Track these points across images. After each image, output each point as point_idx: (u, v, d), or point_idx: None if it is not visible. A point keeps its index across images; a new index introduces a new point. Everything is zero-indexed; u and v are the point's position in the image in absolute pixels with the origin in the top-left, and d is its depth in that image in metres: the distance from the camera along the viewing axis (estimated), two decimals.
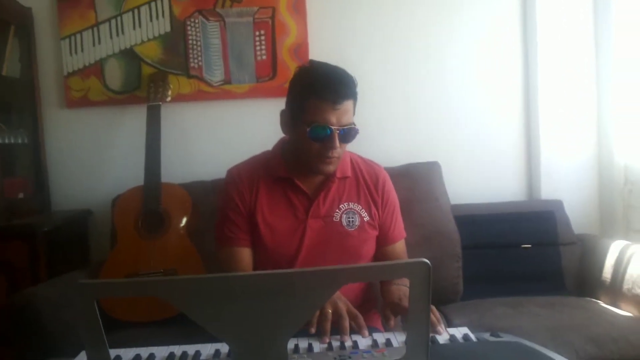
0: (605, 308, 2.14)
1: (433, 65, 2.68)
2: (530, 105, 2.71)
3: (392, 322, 1.33)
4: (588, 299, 2.26)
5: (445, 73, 2.69)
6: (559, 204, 2.52)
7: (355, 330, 1.28)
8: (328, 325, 1.26)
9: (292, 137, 1.56)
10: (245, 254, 1.58)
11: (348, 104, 1.47)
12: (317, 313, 1.27)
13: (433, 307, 1.28)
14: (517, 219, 2.46)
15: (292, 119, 1.53)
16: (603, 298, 2.24)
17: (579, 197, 2.63)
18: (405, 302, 1.33)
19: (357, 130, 1.50)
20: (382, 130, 2.66)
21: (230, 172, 1.64)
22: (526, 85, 2.72)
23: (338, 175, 1.59)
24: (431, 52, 2.68)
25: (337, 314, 1.29)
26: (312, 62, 1.58)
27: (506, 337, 1.20)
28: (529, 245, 2.41)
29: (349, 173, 1.62)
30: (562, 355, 1.09)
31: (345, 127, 1.47)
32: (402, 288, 1.41)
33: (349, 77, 1.50)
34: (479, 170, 2.70)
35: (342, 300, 1.35)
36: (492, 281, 2.34)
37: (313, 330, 1.24)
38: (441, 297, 2.21)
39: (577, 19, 2.62)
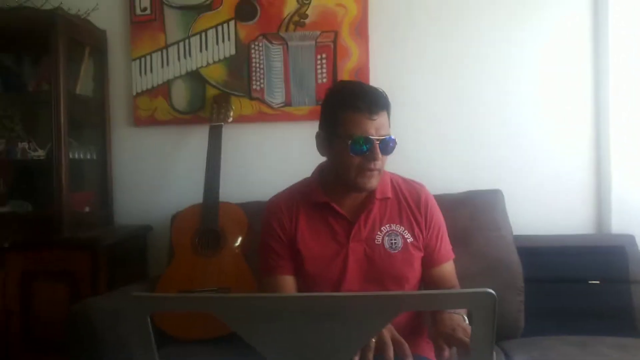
0: None
1: (496, 89, 2.61)
2: (600, 131, 2.57)
3: (446, 354, 1.28)
4: None
5: (508, 97, 2.61)
6: (630, 238, 2.37)
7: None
8: (371, 355, 1.22)
9: (331, 156, 1.56)
10: (288, 282, 1.58)
11: (383, 114, 1.50)
12: None
13: None
14: (585, 253, 2.33)
15: (329, 137, 1.54)
16: None
17: None
18: (459, 334, 1.27)
19: (395, 140, 1.51)
20: (443, 155, 2.61)
21: (270, 201, 1.67)
22: (597, 108, 2.58)
23: (378, 196, 1.57)
24: (494, 76, 2.61)
25: (381, 341, 1.25)
26: (341, 81, 1.59)
27: None
28: (597, 282, 2.28)
29: (390, 194, 1.59)
30: None
31: (384, 137, 1.48)
32: (454, 317, 1.35)
33: (380, 90, 1.54)
34: (545, 200, 2.58)
35: (386, 326, 1.30)
36: (555, 318, 2.21)
37: (356, 358, 1.21)
38: (501, 331, 2.10)
39: None
